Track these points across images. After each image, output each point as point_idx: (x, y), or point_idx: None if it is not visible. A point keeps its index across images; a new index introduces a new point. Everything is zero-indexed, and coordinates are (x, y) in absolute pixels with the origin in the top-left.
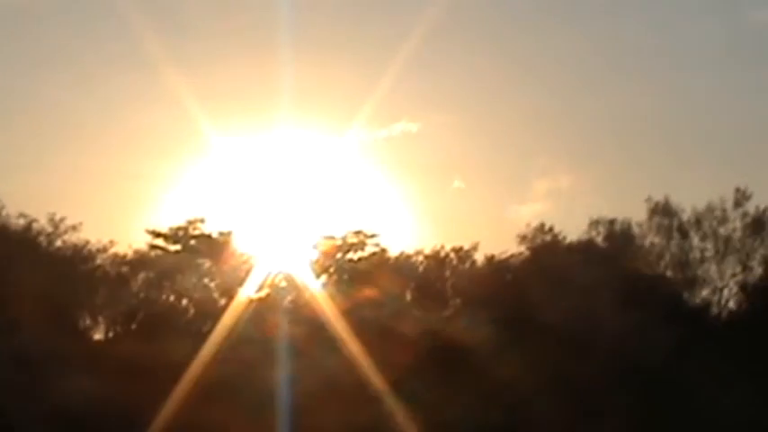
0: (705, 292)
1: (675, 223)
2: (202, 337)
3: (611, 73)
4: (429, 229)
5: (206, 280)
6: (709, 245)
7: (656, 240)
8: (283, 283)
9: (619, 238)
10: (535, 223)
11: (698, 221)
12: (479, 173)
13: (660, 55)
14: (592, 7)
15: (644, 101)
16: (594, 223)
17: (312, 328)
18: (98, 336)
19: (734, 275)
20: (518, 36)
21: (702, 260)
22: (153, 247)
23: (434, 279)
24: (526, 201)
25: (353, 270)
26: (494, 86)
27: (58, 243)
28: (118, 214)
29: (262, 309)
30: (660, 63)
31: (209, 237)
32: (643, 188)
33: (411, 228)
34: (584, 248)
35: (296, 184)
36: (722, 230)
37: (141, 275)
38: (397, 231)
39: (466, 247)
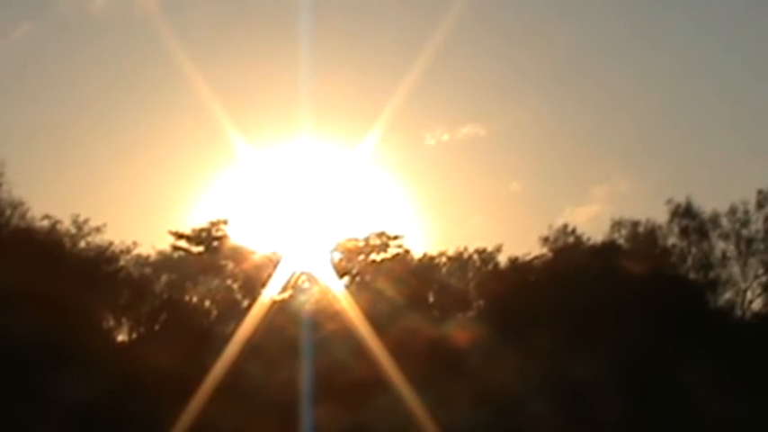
0: (729, 294)
1: (696, 225)
2: (225, 338)
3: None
4: (480, 231)
5: (229, 281)
6: (732, 246)
7: (678, 242)
8: (306, 285)
9: (641, 239)
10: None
11: (718, 222)
12: (538, 175)
13: (683, 60)
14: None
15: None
16: (617, 225)
17: (334, 329)
18: (122, 336)
19: (757, 277)
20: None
21: (725, 262)
22: (176, 248)
23: (457, 280)
24: (582, 203)
25: (376, 271)
26: (560, 91)
27: (82, 244)
28: (141, 216)
29: (284, 310)
30: (683, 68)
31: (230, 239)
32: (670, 190)
33: (463, 229)
34: (607, 250)
35: (329, 188)
36: (745, 232)
37: (164, 277)
38: (449, 233)
39: (489, 248)
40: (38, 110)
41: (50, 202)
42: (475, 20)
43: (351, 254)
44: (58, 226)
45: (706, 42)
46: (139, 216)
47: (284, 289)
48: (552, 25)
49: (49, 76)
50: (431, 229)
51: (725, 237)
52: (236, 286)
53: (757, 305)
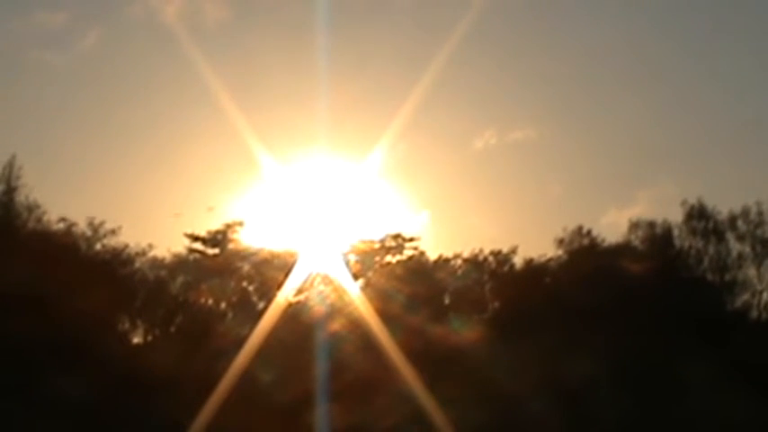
0: (745, 296)
1: (711, 226)
2: (240, 340)
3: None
4: (524, 234)
5: (244, 283)
6: (748, 248)
7: (695, 243)
8: (321, 287)
9: (657, 240)
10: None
11: (735, 224)
12: (582, 179)
13: (698, 62)
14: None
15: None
16: (634, 226)
17: (348, 331)
18: (137, 339)
19: None
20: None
21: (741, 263)
22: (191, 250)
23: (473, 282)
24: (625, 206)
25: (390, 273)
26: (608, 97)
27: (98, 247)
28: (156, 219)
29: (300, 312)
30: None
31: (246, 241)
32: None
33: (507, 232)
34: (622, 251)
35: (345, 191)
36: (760, 233)
37: (180, 279)
38: (495, 236)
39: (505, 250)
40: (53, 113)
41: (66, 204)
42: (499, 22)
43: (366, 255)
44: (74, 228)
45: (721, 44)
46: (155, 219)
47: (299, 291)
48: (605, 35)
49: (60, 79)
50: (456, 233)
51: (741, 238)
52: (251, 288)
53: None
